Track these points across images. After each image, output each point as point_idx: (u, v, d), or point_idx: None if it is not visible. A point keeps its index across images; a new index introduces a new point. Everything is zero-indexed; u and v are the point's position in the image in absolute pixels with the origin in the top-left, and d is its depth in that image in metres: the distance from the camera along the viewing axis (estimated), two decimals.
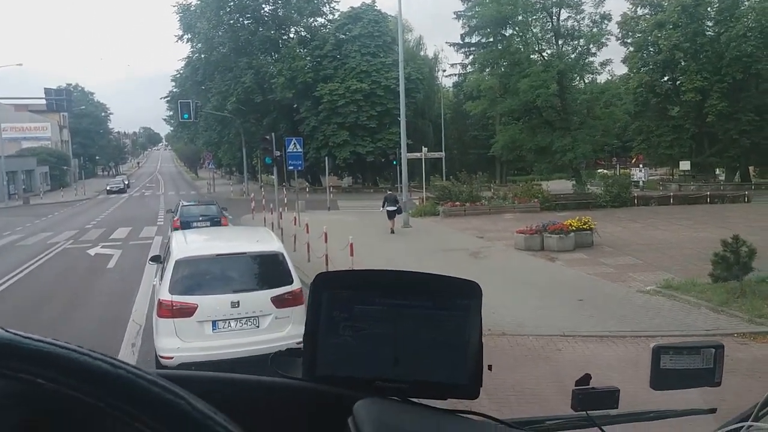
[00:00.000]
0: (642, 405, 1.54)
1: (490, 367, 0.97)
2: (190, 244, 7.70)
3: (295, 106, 45.28)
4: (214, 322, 6.67)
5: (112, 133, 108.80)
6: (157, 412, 0.55)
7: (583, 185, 26.85)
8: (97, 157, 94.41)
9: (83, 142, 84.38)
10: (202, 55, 47.38)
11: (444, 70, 68.19)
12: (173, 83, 52.38)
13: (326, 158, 35.90)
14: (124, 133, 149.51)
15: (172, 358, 6.49)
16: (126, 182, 61.06)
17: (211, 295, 6.73)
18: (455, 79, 55.29)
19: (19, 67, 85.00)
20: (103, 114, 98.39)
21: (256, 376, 0.93)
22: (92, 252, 17.60)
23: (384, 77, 43.39)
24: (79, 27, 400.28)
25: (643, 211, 23.92)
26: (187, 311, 6.56)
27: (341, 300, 0.95)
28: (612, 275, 12.13)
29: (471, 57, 52.79)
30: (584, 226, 15.42)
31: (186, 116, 37.39)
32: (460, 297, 0.96)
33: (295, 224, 17.13)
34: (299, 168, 22.48)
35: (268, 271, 7.20)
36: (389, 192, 21.60)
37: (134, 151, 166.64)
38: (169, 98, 52.99)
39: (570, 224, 15.31)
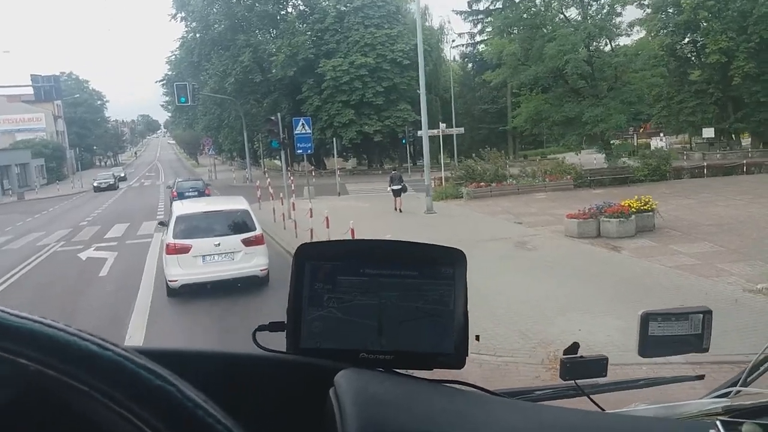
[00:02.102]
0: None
1: (477, 338, 0.95)
2: (185, 206, 11.50)
3: (297, 85, 42.90)
4: (203, 257, 9.96)
5: (109, 121, 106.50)
6: (146, 398, 0.53)
7: (616, 158, 24.70)
8: (94, 147, 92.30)
9: (80, 132, 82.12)
10: (197, 35, 44.95)
11: (453, 40, 65.29)
12: (168, 66, 50.07)
13: (333, 139, 33.70)
14: (122, 121, 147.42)
15: (176, 281, 9.84)
16: (120, 175, 54.88)
17: (201, 238, 10.04)
18: (463, 50, 52.74)
19: (8, 56, 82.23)
20: (99, 102, 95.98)
21: (236, 351, 0.89)
22: (84, 255, 15.66)
23: (390, 50, 41.02)
24: (70, 12, 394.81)
25: (686, 185, 21.80)
26: (185, 249, 9.83)
27: (324, 271, 0.91)
28: (697, 268, 10.13)
29: (480, 26, 50.62)
30: (645, 207, 13.37)
31: (183, 100, 35.28)
32: (445, 265, 0.92)
33: (310, 216, 15.12)
34: (308, 151, 20.45)
35: (239, 222, 10.56)
36: (393, 172, 21.45)
37: (133, 140, 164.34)
38: (164, 82, 50.71)
39: (629, 205, 13.25)
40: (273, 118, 19.57)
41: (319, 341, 0.92)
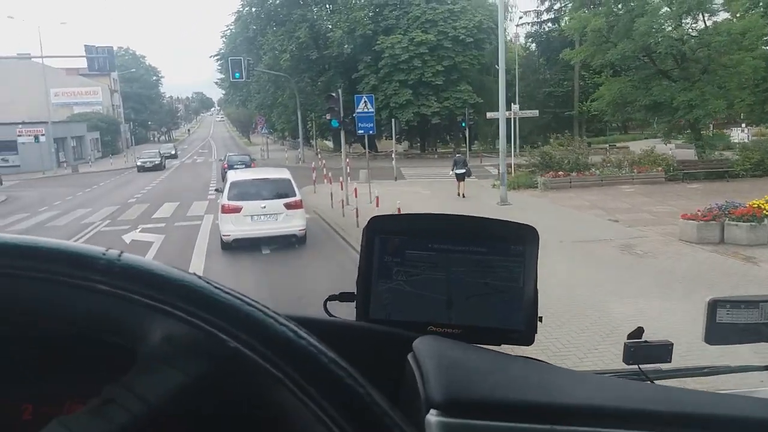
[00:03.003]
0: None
1: (540, 319, 0.93)
2: (238, 174, 13.87)
3: (353, 63, 41.12)
4: (251, 216, 11.99)
5: (164, 97, 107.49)
6: (337, 397, 0.54)
7: (711, 149, 22.05)
8: (149, 123, 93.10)
9: (135, 107, 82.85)
10: (253, 9, 43.59)
11: (520, 17, 59.92)
12: (223, 40, 48.97)
13: (392, 121, 31.82)
14: (177, 98, 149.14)
15: (229, 235, 11.99)
16: (169, 152, 50.86)
17: (250, 201, 12.06)
18: (528, 29, 49.80)
19: (65, 29, 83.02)
20: (154, 78, 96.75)
21: (310, 314, 0.88)
22: (128, 238, 14.40)
23: (452, 27, 38.74)
24: None
25: None
26: (236, 209, 11.95)
27: (393, 244, 0.91)
28: None
29: (547, 3, 47.63)
30: None
31: (237, 75, 34.07)
32: (515, 242, 0.91)
33: (377, 205, 13.44)
34: (371, 131, 18.75)
35: (281, 188, 12.52)
36: (458, 155, 20.76)
37: (187, 117, 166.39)
38: (219, 57, 49.66)
39: (760, 206, 11.05)
40: (334, 95, 17.90)
41: (389, 312, 0.92)
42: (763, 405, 0.82)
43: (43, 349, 0.68)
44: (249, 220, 12.00)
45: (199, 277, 0.56)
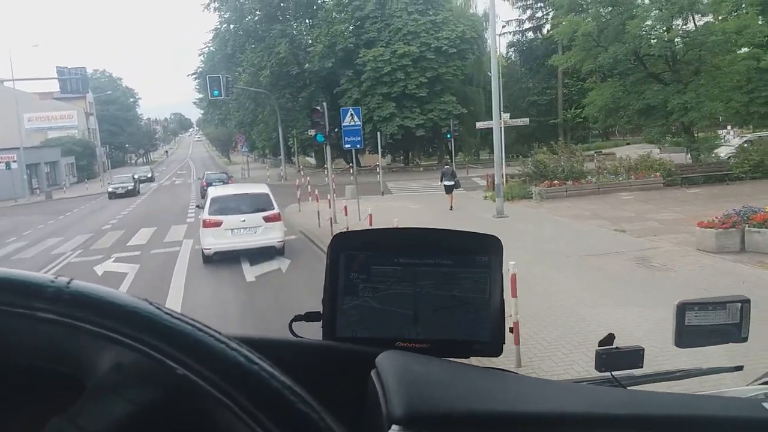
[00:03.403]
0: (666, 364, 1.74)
1: (510, 329, 0.88)
2: (218, 190, 14.68)
3: (334, 77, 40.33)
4: (232, 230, 12.46)
5: (141, 119, 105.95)
6: (291, 426, 0.53)
7: (706, 153, 21.45)
8: (126, 145, 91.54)
9: (111, 130, 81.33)
10: (231, 26, 42.73)
11: (504, 26, 58.82)
12: (201, 58, 47.98)
13: (377, 134, 31.01)
14: (155, 119, 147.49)
15: (210, 249, 12.43)
16: (145, 175, 48.98)
17: (230, 215, 12.55)
18: (510, 38, 49.48)
19: (38, 53, 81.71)
20: (131, 100, 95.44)
21: (275, 336, 0.88)
22: (100, 269, 13.28)
23: (434, 38, 38.17)
24: (104, 8, 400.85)
25: None
26: (217, 224, 12.40)
27: (359, 261, 0.91)
28: None
29: (529, 12, 47.40)
30: None
31: (216, 93, 33.21)
32: (480, 253, 0.91)
33: (370, 223, 12.54)
34: (358, 146, 17.84)
35: (260, 202, 13.14)
36: (446, 167, 20.30)
37: (165, 138, 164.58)
38: (197, 75, 48.62)
39: None
40: (318, 108, 16.97)
41: (356, 330, 0.91)
42: (733, 404, 0.84)
43: None
44: (229, 234, 12.45)
45: (150, 303, 0.55)
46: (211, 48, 45.54)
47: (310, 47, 39.77)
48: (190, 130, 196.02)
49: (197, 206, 16.64)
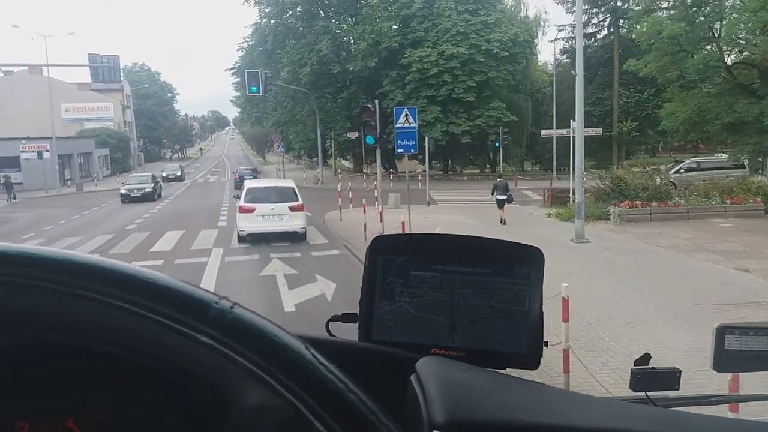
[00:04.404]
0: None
1: (546, 344, 0.93)
2: (253, 183, 17.64)
3: (377, 78, 38.33)
4: (263, 216, 14.77)
5: (179, 115, 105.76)
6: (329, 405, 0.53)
7: None
8: (163, 140, 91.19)
9: (148, 124, 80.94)
10: (271, 21, 41.06)
11: (560, 30, 53.92)
12: (240, 53, 46.45)
13: (426, 139, 28.82)
14: (193, 116, 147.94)
15: (244, 230, 14.85)
16: (175, 174, 45.74)
17: (262, 203, 14.90)
18: (564, 44, 46.79)
19: (76, 44, 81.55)
20: (169, 95, 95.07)
21: (313, 335, 0.88)
22: None
23: (485, 39, 35.91)
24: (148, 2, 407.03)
25: None
26: (251, 210, 14.81)
27: (397, 265, 0.91)
28: None
29: (585, 17, 44.65)
30: None
31: (254, 89, 31.35)
32: (520, 264, 0.90)
33: (402, 230, 10.27)
34: (412, 150, 15.66)
35: (287, 194, 15.37)
36: (499, 179, 18.83)
37: (202, 135, 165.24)
38: (235, 71, 47.09)
39: None
40: (370, 106, 14.89)
41: (391, 334, 0.91)
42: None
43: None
44: (260, 219, 14.82)
45: (307, 348, 0.55)
46: (251, 43, 43.99)
47: (352, 46, 37.89)
48: (227, 128, 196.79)
49: (234, 196, 18.37)
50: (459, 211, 22.72)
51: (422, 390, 0.68)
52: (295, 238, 15.01)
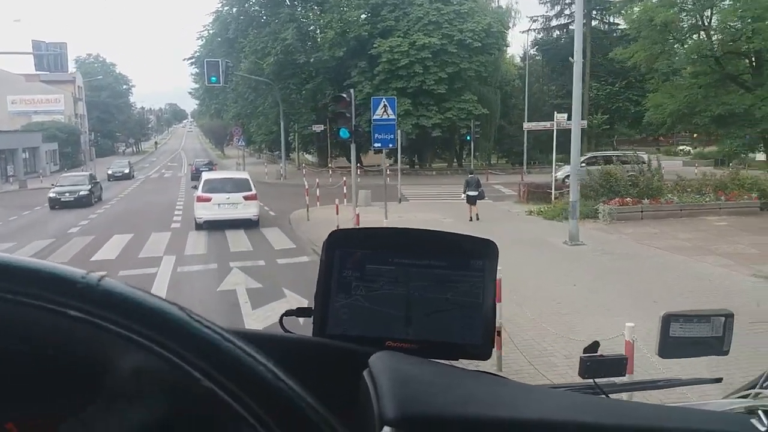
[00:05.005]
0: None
1: (498, 333, 0.98)
2: (210, 174, 19.24)
3: (345, 68, 36.66)
4: (218, 204, 15.97)
5: (134, 108, 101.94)
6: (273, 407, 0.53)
7: None
8: (117, 134, 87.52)
9: (101, 117, 77.37)
10: (234, 9, 38.95)
11: (534, 21, 49.92)
12: (199, 42, 44.08)
13: (398, 132, 27.30)
14: (149, 109, 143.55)
15: (201, 218, 15.97)
16: (122, 171, 41.61)
17: (218, 193, 16.12)
18: (535, 36, 45.87)
19: (26, 34, 77.23)
20: (124, 87, 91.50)
21: (265, 331, 0.91)
22: None
23: (457, 29, 34.56)
24: None
25: None
26: (208, 199, 16.01)
27: (354, 259, 0.90)
28: None
29: (558, 7, 43.84)
30: None
31: (214, 80, 29.42)
32: (475, 257, 0.91)
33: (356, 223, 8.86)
34: (390, 145, 14.25)
35: (242, 184, 16.69)
36: (470, 175, 18.38)
37: (159, 128, 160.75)
38: (194, 60, 44.71)
39: None
40: (345, 95, 13.37)
41: (346, 328, 0.91)
42: (711, 417, 0.84)
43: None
44: (217, 207, 15.98)
45: (181, 308, 0.55)
46: (211, 32, 41.78)
47: (319, 35, 36.16)
48: (185, 121, 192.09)
49: (192, 187, 19.12)
50: (433, 207, 21.42)
51: (374, 385, 0.69)
52: (249, 224, 16.11)
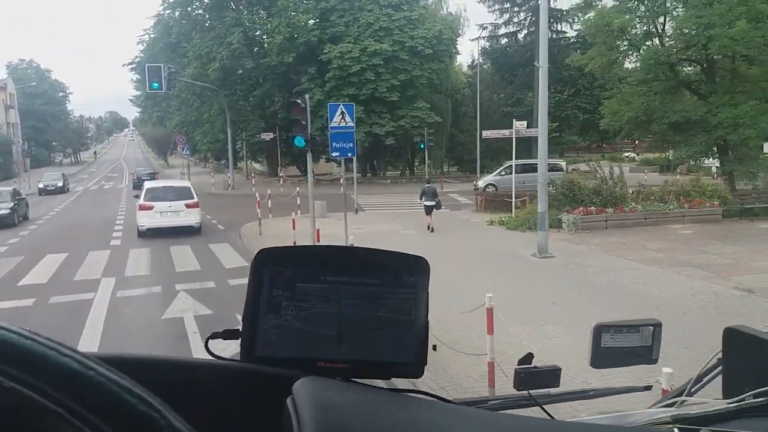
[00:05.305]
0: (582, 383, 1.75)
1: (434, 348, 0.93)
2: (152, 183, 19.60)
3: (294, 74, 35.65)
4: (161, 212, 16.46)
5: (72, 116, 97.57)
6: (117, 419, 0.50)
7: (753, 174, 18.01)
8: (54, 143, 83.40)
9: (36, 126, 73.52)
10: (177, 12, 37.40)
11: (485, 27, 49.46)
12: (140, 46, 42.19)
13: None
14: (89, 117, 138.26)
15: (144, 226, 16.44)
16: (54, 185, 37.34)
17: (160, 201, 16.59)
18: (484, 44, 45.97)
19: None
20: (61, 94, 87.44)
21: (189, 357, 0.88)
22: None
23: (408, 36, 34.11)
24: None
25: None
26: (150, 208, 16.47)
27: (283, 277, 0.88)
28: None
29: (506, 15, 44.07)
30: None
31: (156, 86, 28.08)
32: (407, 273, 0.90)
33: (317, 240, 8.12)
34: (350, 154, 13.40)
35: (183, 192, 17.34)
36: (427, 184, 17.90)
37: (99, 137, 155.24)
38: (134, 66, 42.76)
39: None
40: (299, 101, 12.45)
41: (276, 350, 0.87)
42: None
43: None
44: (159, 215, 16.39)
45: (39, 342, 0.52)
46: (152, 36, 40.02)
47: (266, 40, 35.03)
48: (126, 129, 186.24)
49: (135, 196, 18.85)
50: (391, 218, 20.72)
51: (296, 413, 0.68)
52: (195, 237, 16.39)
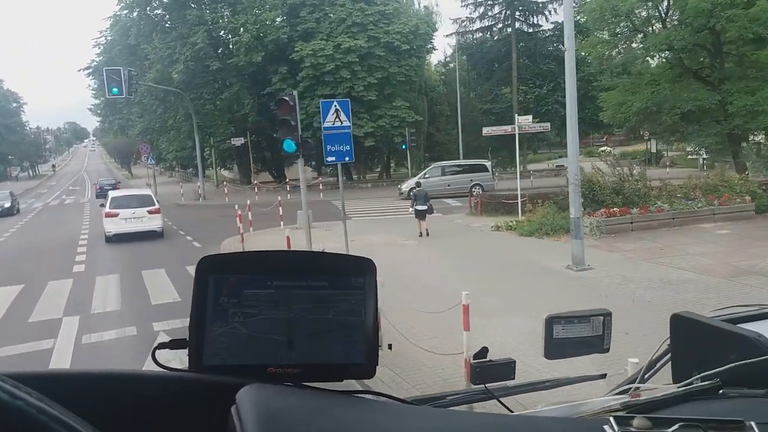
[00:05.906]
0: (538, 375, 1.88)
1: (390, 347, 1.05)
2: (116, 192, 20.84)
3: (264, 75, 33.68)
4: (125, 219, 17.64)
5: (28, 127, 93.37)
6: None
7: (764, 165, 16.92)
8: (9, 157, 79.51)
9: None
10: (134, 12, 35.03)
11: (462, 23, 46.59)
12: (96, 49, 39.60)
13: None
14: (46, 128, 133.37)
15: (110, 232, 17.65)
16: (2, 206, 31.53)
17: (124, 209, 17.83)
18: (459, 39, 44.52)
19: None
20: (14, 105, 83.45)
21: (137, 370, 0.87)
22: None
23: (383, 31, 32.48)
24: None
25: None
26: (115, 215, 17.65)
27: (229, 284, 0.87)
28: None
29: (481, 9, 42.73)
30: None
31: (115, 91, 25.94)
32: (355, 275, 0.90)
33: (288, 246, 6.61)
34: (347, 158, 11.69)
35: (145, 200, 18.64)
36: (418, 189, 17.25)
37: (58, 149, 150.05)
38: (91, 71, 40.12)
39: None
40: (287, 98, 10.72)
41: (224, 358, 0.86)
42: (563, 426, 0.87)
43: None
44: (124, 222, 17.79)
45: None
46: (109, 38, 37.54)
47: (232, 39, 33.00)
48: (86, 140, 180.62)
49: (100, 205, 19.53)
50: (381, 226, 19.09)
51: (240, 422, 0.67)
52: (154, 236, 17.98)
